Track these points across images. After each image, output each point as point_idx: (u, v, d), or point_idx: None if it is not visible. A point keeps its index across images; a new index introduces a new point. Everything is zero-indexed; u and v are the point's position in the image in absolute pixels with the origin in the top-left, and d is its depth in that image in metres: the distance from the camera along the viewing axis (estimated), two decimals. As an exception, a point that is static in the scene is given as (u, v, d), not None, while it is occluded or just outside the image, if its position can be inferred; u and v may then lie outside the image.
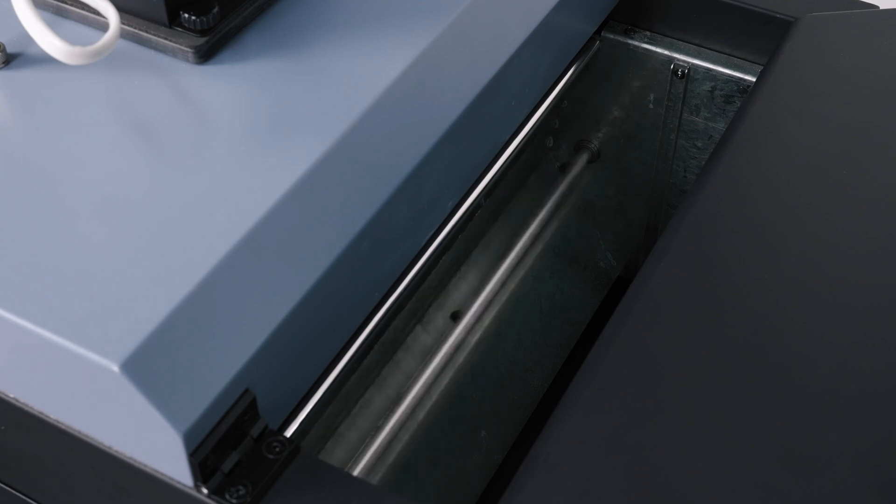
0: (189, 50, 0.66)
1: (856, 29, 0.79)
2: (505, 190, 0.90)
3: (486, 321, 0.89)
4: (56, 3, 0.68)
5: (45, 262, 0.56)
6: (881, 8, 0.82)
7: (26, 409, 0.58)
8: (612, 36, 0.90)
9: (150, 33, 0.67)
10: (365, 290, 0.65)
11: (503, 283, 0.90)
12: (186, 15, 0.66)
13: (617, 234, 1.01)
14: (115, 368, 0.51)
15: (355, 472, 0.75)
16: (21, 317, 0.54)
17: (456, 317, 0.86)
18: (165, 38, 0.66)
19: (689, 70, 0.87)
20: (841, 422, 0.57)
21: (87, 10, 0.67)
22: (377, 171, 0.63)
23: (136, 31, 0.67)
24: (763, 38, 0.83)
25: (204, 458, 0.53)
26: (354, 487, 0.56)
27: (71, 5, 0.68)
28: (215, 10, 0.66)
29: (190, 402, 0.53)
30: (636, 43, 0.89)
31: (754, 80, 0.82)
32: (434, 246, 0.72)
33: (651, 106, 0.92)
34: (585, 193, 0.99)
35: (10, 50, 0.67)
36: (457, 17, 0.71)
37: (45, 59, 0.66)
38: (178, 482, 0.55)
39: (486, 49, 0.71)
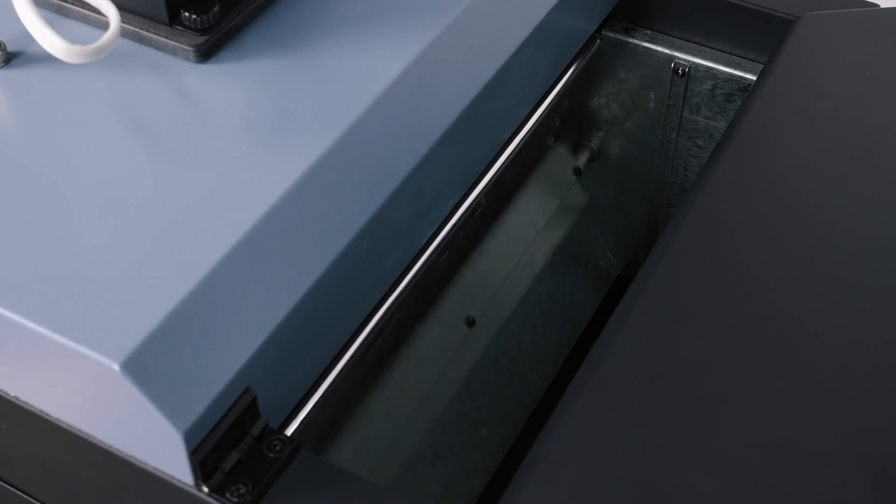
0: (189, 49, 0.66)
1: (856, 28, 0.79)
2: (505, 189, 0.90)
3: (487, 320, 0.89)
4: (57, 1, 0.68)
5: (46, 261, 0.56)
6: (882, 7, 0.82)
7: (27, 407, 0.58)
8: (612, 35, 0.90)
9: (150, 32, 0.67)
10: (365, 288, 0.65)
11: (503, 282, 0.90)
12: (187, 14, 0.66)
13: (617, 232, 1.01)
14: (116, 367, 0.51)
15: (355, 471, 0.75)
16: (22, 316, 0.54)
17: (456, 316, 0.86)
18: (166, 37, 0.66)
19: (689, 69, 0.87)
20: (841, 421, 0.57)
21: (88, 9, 0.67)
22: (378, 169, 0.63)
23: (136, 29, 0.67)
24: (764, 36, 0.83)
25: (204, 457, 0.53)
26: (355, 486, 0.56)
27: (71, 4, 0.68)
28: (216, 8, 0.66)
29: (190, 400, 0.53)
30: (636, 42, 0.89)
31: (755, 78, 0.82)
32: (434, 245, 0.72)
33: (652, 105, 0.92)
34: (586, 192, 0.99)
35: (10, 48, 0.67)
36: (457, 17, 0.71)
37: (46, 58, 0.66)
38: (179, 481, 0.55)
39: (486, 48, 0.71)
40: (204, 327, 0.54)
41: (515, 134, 0.79)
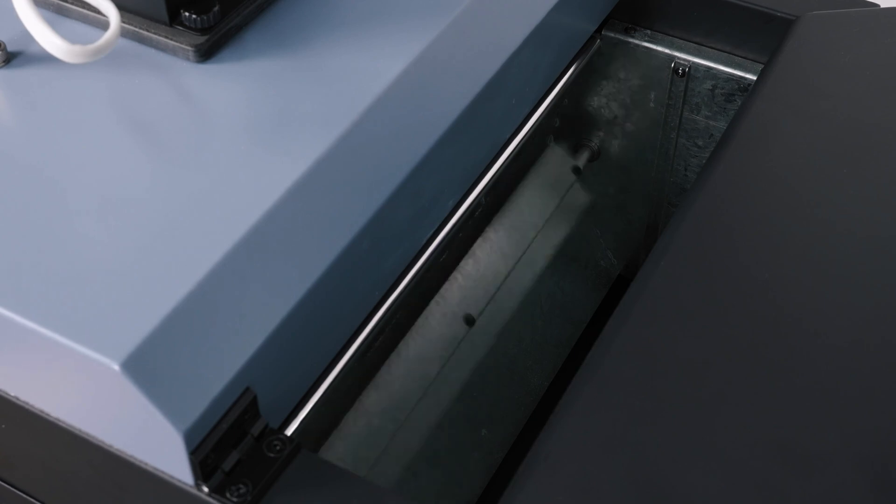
0: (189, 48, 0.66)
1: (856, 28, 0.79)
2: (505, 189, 0.90)
3: (487, 320, 0.89)
4: (57, 1, 0.68)
5: (46, 261, 0.56)
6: (882, 7, 0.82)
7: (27, 407, 0.58)
8: (612, 34, 0.90)
9: (150, 32, 0.67)
10: (365, 288, 0.65)
11: (503, 282, 0.90)
12: (187, 13, 0.66)
13: (617, 232, 1.01)
14: (116, 367, 0.51)
15: (355, 471, 0.75)
16: (22, 315, 0.54)
17: (456, 316, 0.86)
18: (166, 37, 0.66)
19: (689, 68, 0.87)
20: (841, 421, 0.57)
21: (88, 9, 0.67)
22: (378, 169, 0.63)
23: (136, 29, 0.67)
24: (764, 36, 0.83)
25: (204, 457, 0.53)
26: (355, 486, 0.56)
27: (71, 4, 0.68)
28: (216, 8, 0.66)
29: (190, 400, 0.53)
30: (636, 41, 0.89)
31: (755, 78, 0.82)
32: (434, 245, 0.72)
33: (652, 104, 0.92)
34: (586, 192, 0.99)
35: (10, 48, 0.67)
36: (457, 17, 0.71)
37: (46, 58, 0.66)
38: (179, 481, 0.55)
39: (486, 48, 0.71)
40: (204, 327, 0.54)
41: (515, 134, 0.79)
